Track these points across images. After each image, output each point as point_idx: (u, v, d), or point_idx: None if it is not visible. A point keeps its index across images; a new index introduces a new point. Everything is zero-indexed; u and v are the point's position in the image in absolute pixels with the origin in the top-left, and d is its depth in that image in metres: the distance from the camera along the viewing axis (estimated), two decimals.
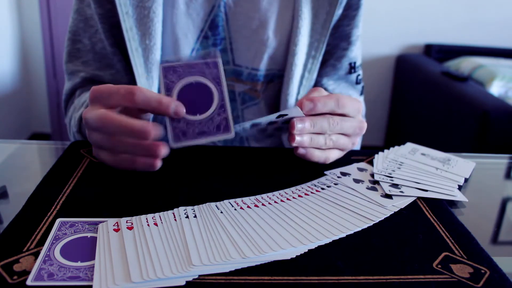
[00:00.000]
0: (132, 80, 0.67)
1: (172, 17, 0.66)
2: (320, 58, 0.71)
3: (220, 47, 0.69)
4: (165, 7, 0.65)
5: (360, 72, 0.76)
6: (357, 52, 0.75)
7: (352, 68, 0.75)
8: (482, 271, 0.38)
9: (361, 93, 0.78)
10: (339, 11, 0.70)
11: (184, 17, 0.66)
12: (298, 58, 0.69)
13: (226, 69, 0.70)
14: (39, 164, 0.61)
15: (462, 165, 0.59)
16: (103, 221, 0.41)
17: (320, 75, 0.75)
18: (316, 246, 0.40)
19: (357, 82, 0.76)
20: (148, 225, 0.40)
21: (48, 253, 0.36)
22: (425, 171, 0.56)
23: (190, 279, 0.34)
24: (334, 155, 0.56)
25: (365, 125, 0.56)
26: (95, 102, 0.48)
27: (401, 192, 0.51)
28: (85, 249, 0.37)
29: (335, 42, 0.73)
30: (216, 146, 0.69)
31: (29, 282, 0.33)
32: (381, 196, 0.50)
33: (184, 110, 0.47)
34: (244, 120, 0.74)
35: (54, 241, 0.38)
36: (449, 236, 0.43)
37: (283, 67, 0.71)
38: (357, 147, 0.73)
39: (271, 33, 0.69)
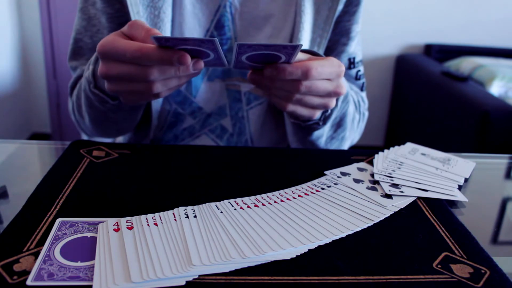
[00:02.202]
0: None
1: (179, 17, 0.67)
2: (322, 54, 0.71)
3: (226, 46, 0.70)
4: (174, 7, 0.67)
5: (360, 68, 0.77)
6: (356, 48, 0.76)
7: (351, 63, 0.75)
8: (482, 271, 0.38)
9: (362, 89, 0.78)
10: (340, 7, 0.70)
11: (190, 17, 0.67)
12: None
13: (232, 69, 0.71)
14: (39, 164, 0.61)
15: (462, 165, 0.59)
16: (103, 221, 0.41)
17: None
18: (316, 246, 0.40)
19: (357, 78, 0.76)
20: (148, 225, 0.40)
21: (48, 253, 0.36)
22: (425, 171, 0.56)
23: (190, 279, 0.34)
24: (301, 111, 0.55)
25: (344, 90, 0.54)
26: (105, 59, 0.49)
27: (401, 192, 0.51)
28: (85, 249, 0.37)
29: (335, 38, 0.74)
30: (217, 146, 0.69)
31: (29, 282, 0.33)
32: (381, 196, 0.50)
33: (188, 59, 0.46)
34: (249, 122, 0.74)
35: (54, 241, 0.38)
36: (449, 236, 0.43)
37: None
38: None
39: (275, 30, 0.69)
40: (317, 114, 0.56)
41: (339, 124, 0.68)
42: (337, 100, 0.62)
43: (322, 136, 0.67)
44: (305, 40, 0.69)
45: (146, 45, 0.46)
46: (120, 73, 0.48)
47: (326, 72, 0.51)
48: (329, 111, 0.62)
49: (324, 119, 0.63)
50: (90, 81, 0.58)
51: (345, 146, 0.75)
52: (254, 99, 0.73)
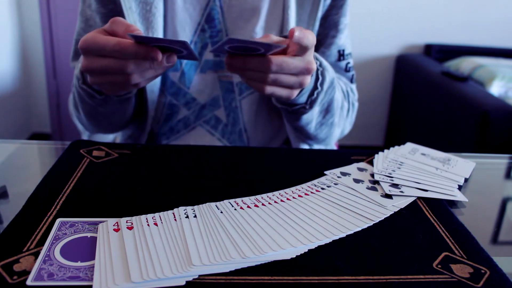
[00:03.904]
0: None
1: (171, 12, 0.70)
2: None
3: (217, 38, 0.72)
4: (165, 2, 0.69)
5: (350, 60, 0.78)
6: (345, 41, 0.77)
7: (341, 55, 0.77)
8: (482, 271, 0.38)
9: (352, 81, 0.80)
10: (327, 2, 0.73)
11: (182, 11, 0.70)
12: None
13: (223, 61, 0.72)
14: (39, 164, 0.61)
15: (462, 165, 0.59)
16: (103, 221, 0.41)
17: None
18: (316, 246, 0.40)
19: (347, 70, 0.78)
20: (148, 225, 0.40)
21: (48, 253, 0.36)
22: (425, 171, 0.56)
23: (190, 279, 0.34)
24: (280, 92, 0.56)
25: (314, 66, 0.56)
26: (87, 54, 0.52)
27: (401, 192, 0.51)
28: (85, 249, 0.37)
29: (324, 31, 0.75)
30: (216, 146, 0.69)
31: (29, 282, 0.33)
32: (381, 196, 0.50)
33: (159, 56, 0.50)
34: (242, 112, 0.75)
35: (54, 241, 0.38)
36: (449, 236, 0.43)
37: None
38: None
39: (264, 23, 0.71)
40: (295, 93, 0.58)
41: (327, 110, 0.70)
42: (322, 85, 0.64)
43: (312, 122, 0.69)
44: None
45: (124, 40, 0.49)
46: (100, 66, 0.51)
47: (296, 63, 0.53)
48: (315, 95, 0.63)
49: (311, 102, 0.64)
50: (79, 78, 0.61)
51: (336, 132, 0.76)
52: (246, 89, 0.75)
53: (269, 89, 0.55)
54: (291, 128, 0.73)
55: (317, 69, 0.63)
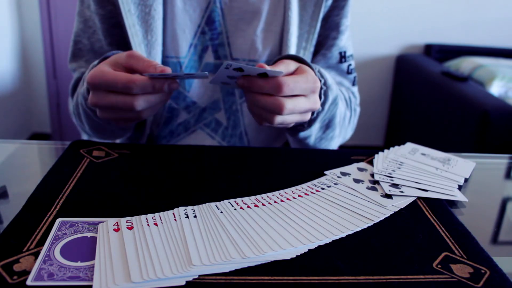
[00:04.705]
0: None
1: (171, 14, 0.69)
2: (312, 49, 0.73)
3: (217, 41, 0.71)
4: (165, 4, 0.69)
5: (351, 62, 0.78)
6: (347, 42, 0.77)
7: (342, 57, 0.76)
8: (482, 271, 0.38)
9: (354, 83, 0.79)
10: (328, 2, 0.72)
11: (182, 13, 0.69)
12: (291, 49, 0.71)
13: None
14: (39, 164, 0.61)
15: (462, 165, 0.59)
16: (103, 221, 0.41)
17: None
18: (316, 246, 0.40)
19: (349, 72, 0.77)
20: (148, 225, 0.40)
21: (48, 253, 0.36)
22: (425, 171, 0.56)
23: (190, 279, 0.34)
24: (291, 119, 0.55)
25: (317, 105, 0.56)
26: (96, 90, 0.52)
27: (401, 192, 0.51)
28: (85, 249, 0.37)
29: (325, 32, 0.75)
30: (217, 146, 0.69)
31: (29, 282, 0.33)
32: (381, 196, 0.50)
33: (177, 85, 0.52)
34: (243, 115, 0.75)
35: (54, 241, 0.38)
36: (449, 236, 0.43)
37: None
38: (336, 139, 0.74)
39: (265, 25, 0.71)
40: (307, 116, 0.57)
41: (328, 126, 0.69)
42: (324, 105, 0.62)
43: (310, 137, 0.68)
44: (293, 35, 0.70)
45: (135, 76, 0.50)
46: (110, 104, 0.51)
47: (299, 88, 0.52)
48: (315, 114, 0.62)
49: (309, 121, 0.63)
50: (85, 97, 0.61)
51: (335, 144, 0.76)
52: None
53: (279, 118, 0.53)
54: (291, 139, 0.72)
55: (321, 88, 0.61)
